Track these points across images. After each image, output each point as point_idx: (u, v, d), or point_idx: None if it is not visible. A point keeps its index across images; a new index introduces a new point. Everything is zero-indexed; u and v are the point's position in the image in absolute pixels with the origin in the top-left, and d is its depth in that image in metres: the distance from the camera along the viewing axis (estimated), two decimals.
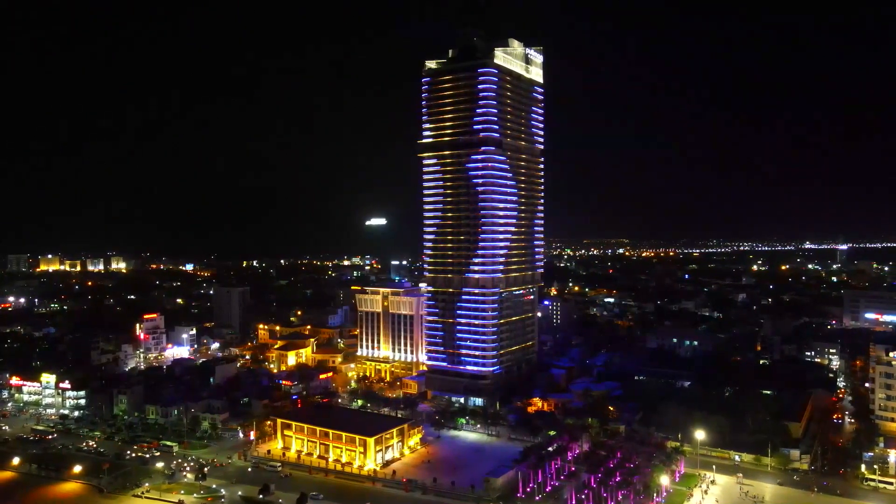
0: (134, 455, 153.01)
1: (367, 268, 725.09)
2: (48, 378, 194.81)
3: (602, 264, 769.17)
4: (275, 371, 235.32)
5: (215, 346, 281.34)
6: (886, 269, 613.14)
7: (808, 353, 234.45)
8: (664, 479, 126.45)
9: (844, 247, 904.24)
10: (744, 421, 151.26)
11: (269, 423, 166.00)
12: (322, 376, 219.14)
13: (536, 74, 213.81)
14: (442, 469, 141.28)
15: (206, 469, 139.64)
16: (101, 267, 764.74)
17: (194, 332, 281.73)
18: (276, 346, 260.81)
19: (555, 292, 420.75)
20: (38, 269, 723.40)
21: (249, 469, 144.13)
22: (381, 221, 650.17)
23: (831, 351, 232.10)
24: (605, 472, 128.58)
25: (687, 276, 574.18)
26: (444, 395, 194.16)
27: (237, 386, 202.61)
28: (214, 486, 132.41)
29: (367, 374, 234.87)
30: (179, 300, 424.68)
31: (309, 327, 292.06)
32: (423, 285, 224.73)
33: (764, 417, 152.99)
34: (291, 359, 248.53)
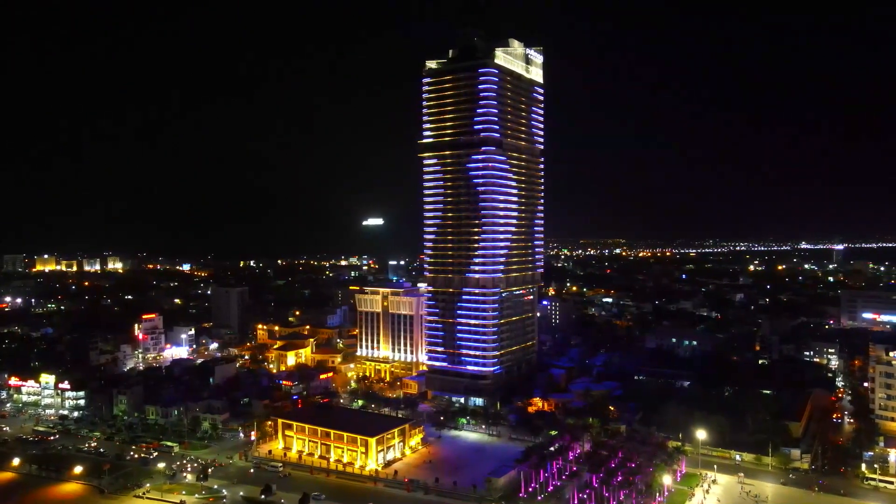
0: (135, 455, 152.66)
1: (365, 268, 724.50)
2: (47, 378, 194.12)
3: (599, 264, 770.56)
4: (274, 371, 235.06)
5: (214, 346, 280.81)
6: (882, 268, 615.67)
7: (807, 353, 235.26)
8: (666, 479, 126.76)
9: (840, 247, 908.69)
10: (744, 421, 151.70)
11: (269, 423, 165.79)
12: (322, 376, 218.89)
13: (536, 74, 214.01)
14: (443, 469, 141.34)
15: (210, 470, 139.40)
16: (98, 267, 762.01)
17: (193, 332, 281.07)
18: (275, 347, 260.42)
19: (553, 292, 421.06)
20: (34, 270, 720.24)
21: (252, 470, 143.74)
22: (379, 222, 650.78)
23: (830, 351, 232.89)
24: (607, 471, 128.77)
25: (684, 276, 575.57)
26: (445, 395, 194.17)
27: (237, 386, 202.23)
28: (216, 486, 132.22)
29: (367, 374, 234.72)
30: (177, 300, 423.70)
31: (308, 327, 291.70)
32: (422, 285, 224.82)
33: (764, 417, 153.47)
34: (291, 359, 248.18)
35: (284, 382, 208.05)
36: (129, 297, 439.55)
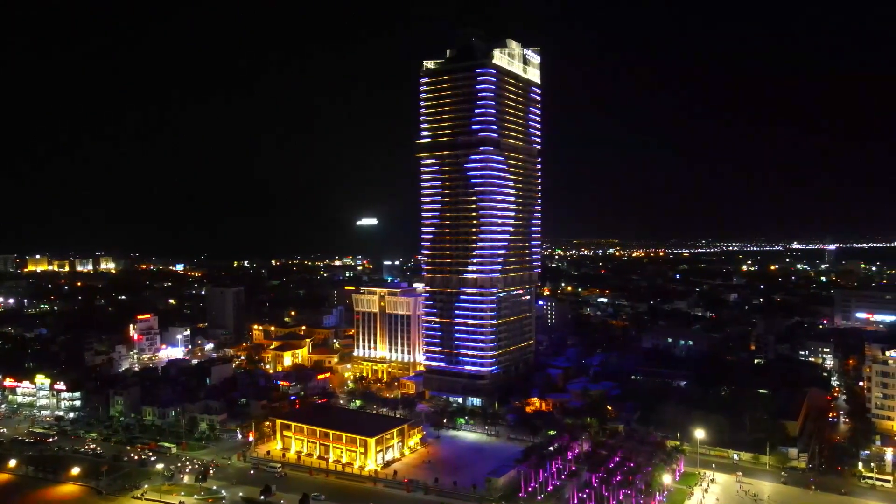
0: (132, 456, 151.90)
1: (359, 268, 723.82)
2: (42, 379, 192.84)
3: (593, 264, 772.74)
4: (271, 372, 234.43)
5: (210, 346, 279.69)
6: (874, 268, 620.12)
7: (802, 353, 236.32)
8: (666, 478, 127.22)
9: (832, 247, 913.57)
10: (741, 420, 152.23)
11: (267, 423, 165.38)
12: (320, 377, 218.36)
13: (534, 75, 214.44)
14: (443, 469, 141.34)
15: (211, 471, 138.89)
16: (90, 267, 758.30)
17: (188, 332, 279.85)
18: (271, 347, 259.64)
19: (548, 292, 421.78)
20: (25, 270, 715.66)
21: (252, 472, 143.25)
22: (373, 222, 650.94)
23: (824, 350, 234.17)
24: (607, 471, 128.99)
25: (678, 277, 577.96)
26: (443, 395, 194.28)
27: (234, 387, 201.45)
28: (215, 487, 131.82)
29: (364, 374, 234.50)
30: (172, 301, 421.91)
31: (304, 328, 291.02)
32: (419, 285, 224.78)
33: (761, 416, 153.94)
34: (287, 359, 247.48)
35: (282, 383, 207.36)
36: (123, 297, 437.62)
